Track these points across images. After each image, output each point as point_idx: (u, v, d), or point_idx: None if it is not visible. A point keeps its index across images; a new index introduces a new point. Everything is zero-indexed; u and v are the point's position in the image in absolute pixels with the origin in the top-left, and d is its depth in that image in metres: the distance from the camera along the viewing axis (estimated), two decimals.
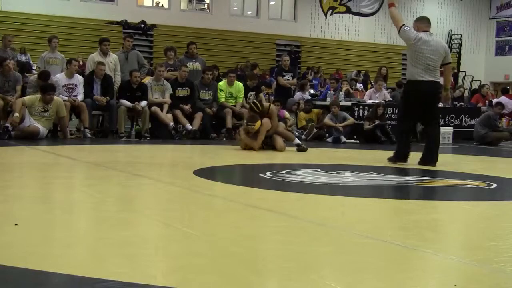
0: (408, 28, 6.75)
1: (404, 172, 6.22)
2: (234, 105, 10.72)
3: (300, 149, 8.13)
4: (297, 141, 8.26)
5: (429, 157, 6.68)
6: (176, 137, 9.95)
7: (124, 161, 6.68)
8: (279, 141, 8.02)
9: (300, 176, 5.18)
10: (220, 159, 7.01)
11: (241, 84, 10.92)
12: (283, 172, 5.42)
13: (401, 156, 6.71)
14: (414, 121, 6.93)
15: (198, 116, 10.21)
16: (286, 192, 4.34)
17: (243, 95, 10.92)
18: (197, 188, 4.44)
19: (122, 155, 7.41)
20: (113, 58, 10.51)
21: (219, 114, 10.48)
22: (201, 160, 7.04)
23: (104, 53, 10.43)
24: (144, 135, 9.95)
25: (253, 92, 11.26)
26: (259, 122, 7.87)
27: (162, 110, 10.20)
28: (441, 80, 6.90)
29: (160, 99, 10.38)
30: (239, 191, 4.40)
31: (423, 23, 6.87)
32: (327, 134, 11.11)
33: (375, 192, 4.78)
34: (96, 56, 10.39)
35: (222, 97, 10.77)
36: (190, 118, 10.32)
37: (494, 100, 13.31)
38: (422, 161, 6.71)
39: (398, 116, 7.27)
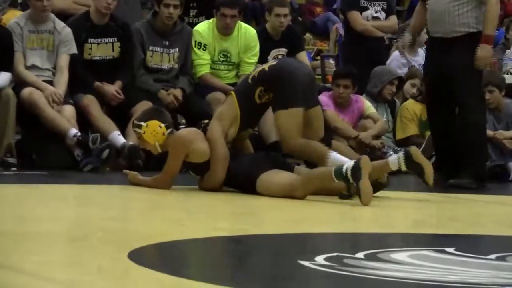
0: None
1: None
2: (235, 83, 7.67)
3: (345, 195, 6.31)
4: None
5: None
6: (87, 165, 7.23)
7: None
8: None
9: (407, 266, 3.63)
10: (199, 220, 5.14)
11: (252, 31, 7.79)
12: (360, 255, 3.73)
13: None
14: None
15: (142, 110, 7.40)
16: None
17: (256, 58, 7.70)
18: None
19: None
20: None
21: (197, 106, 7.74)
22: (150, 223, 5.08)
23: None
24: (5, 159, 7.44)
25: (284, 50, 7.87)
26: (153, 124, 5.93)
27: (50, 97, 7.62)
28: None
29: (47, 69, 7.65)
30: None
31: None
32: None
33: None
34: None
35: (204, 62, 7.74)
36: (122, 116, 7.53)
37: None
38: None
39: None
